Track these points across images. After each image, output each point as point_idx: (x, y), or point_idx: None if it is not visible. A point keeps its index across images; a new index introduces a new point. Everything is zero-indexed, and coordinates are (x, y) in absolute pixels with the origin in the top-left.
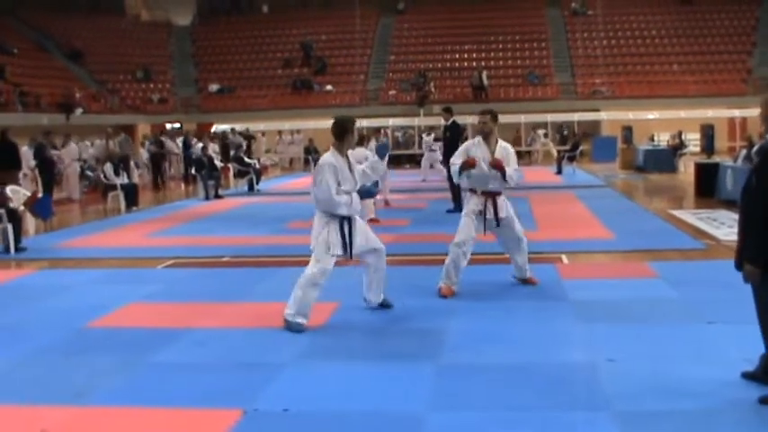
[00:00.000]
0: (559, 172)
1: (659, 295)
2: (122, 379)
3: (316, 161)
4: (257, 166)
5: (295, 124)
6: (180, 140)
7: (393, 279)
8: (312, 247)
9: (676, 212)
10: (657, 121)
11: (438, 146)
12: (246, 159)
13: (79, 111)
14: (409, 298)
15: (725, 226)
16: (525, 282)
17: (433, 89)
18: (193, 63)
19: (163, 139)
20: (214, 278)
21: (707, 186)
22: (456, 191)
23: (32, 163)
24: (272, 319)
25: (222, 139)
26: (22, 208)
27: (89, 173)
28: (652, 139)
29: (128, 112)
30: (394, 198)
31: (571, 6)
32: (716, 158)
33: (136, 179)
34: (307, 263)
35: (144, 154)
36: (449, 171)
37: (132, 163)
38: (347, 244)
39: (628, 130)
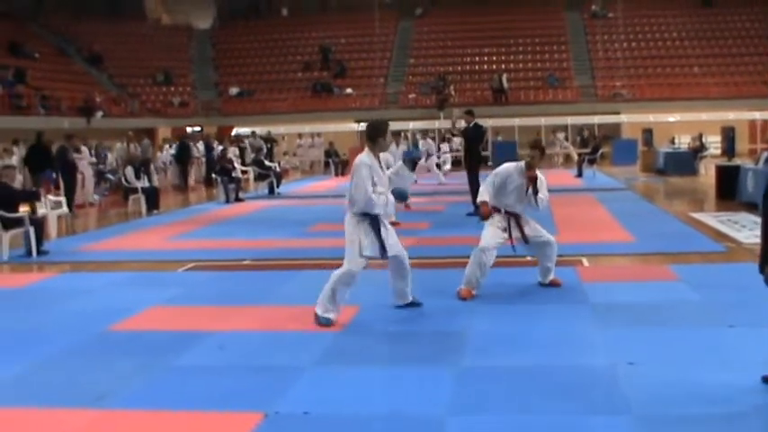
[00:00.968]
0: (580, 175)
1: (680, 298)
2: (143, 382)
3: (336, 164)
4: (278, 169)
5: (315, 127)
6: (200, 144)
7: (413, 282)
8: (348, 248)
9: (697, 215)
10: (678, 124)
11: (436, 150)
12: (267, 162)
13: (99, 114)
14: (429, 301)
15: (746, 229)
16: (549, 284)
17: (452, 92)
18: (213, 66)
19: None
20: (235, 281)
21: (728, 189)
22: (477, 195)
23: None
24: (293, 322)
25: (238, 142)
26: (44, 212)
27: (110, 176)
28: (672, 142)
29: (148, 116)
30: (413, 201)
31: (591, 9)
32: (737, 161)
33: (156, 182)
34: (328, 266)
35: (164, 157)
36: (469, 173)
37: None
38: (381, 244)
39: (648, 133)
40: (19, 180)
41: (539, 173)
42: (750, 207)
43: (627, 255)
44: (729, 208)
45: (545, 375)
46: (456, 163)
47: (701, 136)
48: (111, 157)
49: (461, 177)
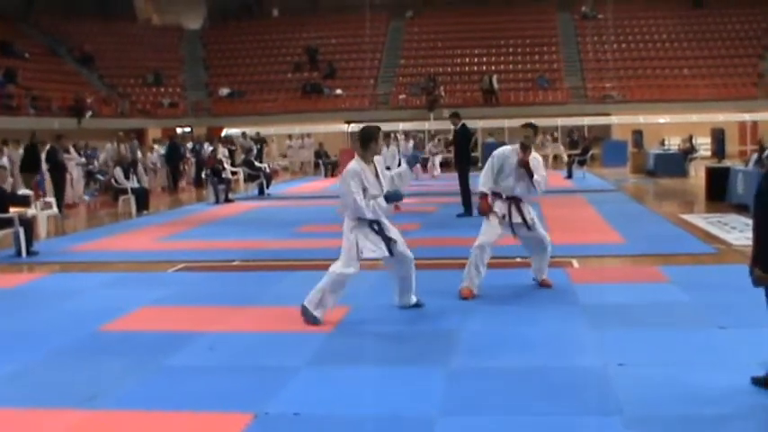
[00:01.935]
0: (570, 176)
1: (670, 300)
2: (134, 382)
3: (326, 165)
4: (267, 170)
5: (305, 128)
6: (189, 144)
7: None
8: (343, 249)
9: (687, 217)
10: (668, 125)
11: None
12: (257, 163)
13: (89, 114)
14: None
15: (736, 230)
16: (541, 284)
17: (442, 93)
18: (204, 67)
19: (178, 143)
20: (225, 282)
21: (718, 190)
22: (467, 196)
23: (44, 166)
24: (283, 322)
25: (229, 143)
26: (33, 212)
27: (99, 176)
28: (662, 144)
29: (138, 117)
30: (403, 202)
31: (581, 10)
32: (727, 162)
33: (145, 183)
34: (318, 267)
35: (154, 158)
36: (460, 175)
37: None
38: (385, 242)
39: (638, 134)
40: (9, 182)
41: (534, 153)
42: (740, 208)
43: (617, 256)
44: (719, 209)
45: (536, 376)
46: (446, 164)
47: (690, 137)
48: (102, 157)
49: (452, 179)
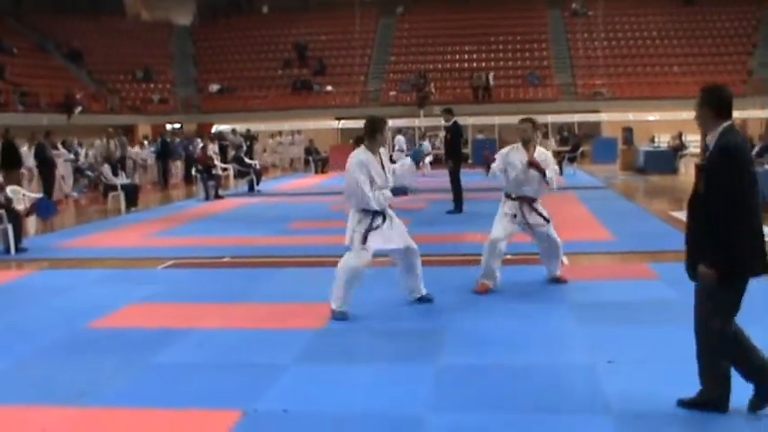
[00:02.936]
0: (560, 173)
1: (659, 296)
2: (123, 379)
3: (316, 162)
4: (257, 166)
5: (295, 125)
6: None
7: (394, 279)
8: (348, 243)
9: (677, 214)
10: (658, 123)
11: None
12: (246, 160)
13: (78, 110)
14: (409, 299)
15: None
16: (556, 280)
17: (433, 90)
18: (194, 63)
19: (167, 139)
20: (214, 279)
21: None
22: (458, 192)
23: (32, 162)
24: (273, 319)
25: (219, 139)
26: (22, 208)
27: (89, 173)
28: (652, 141)
29: (128, 113)
30: (394, 199)
31: (571, 7)
32: None
33: (133, 179)
34: (308, 264)
35: (144, 154)
36: (452, 171)
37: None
38: (385, 237)
39: (628, 132)
40: None
41: (539, 148)
42: None
43: (607, 253)
44: None
45: (525, 374)
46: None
47: (680, 135)
48: (91, 154)
49: (442, 175)
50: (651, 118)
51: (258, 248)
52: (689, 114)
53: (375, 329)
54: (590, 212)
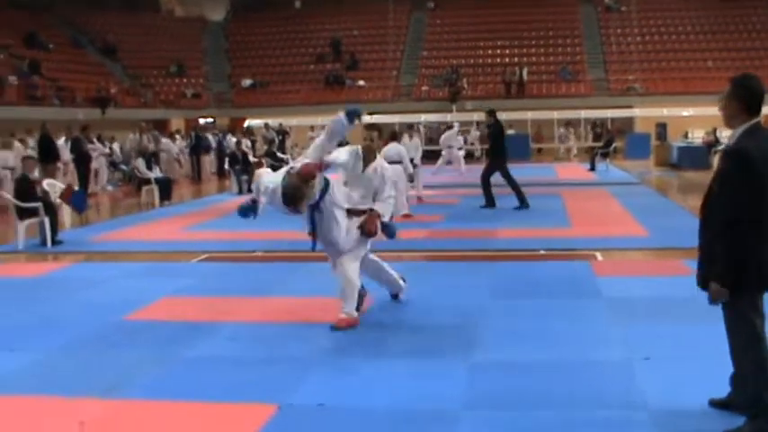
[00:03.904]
0: (593, 169)
1: (694, 293)
2: (157, 372)
3: None
4: (290, 161)
5: (327, 119)
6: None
7: (426, 274)
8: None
9: None
10: (692, 118)
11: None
12: (279, 154)
13: (112, 104)
14: (441, 294)
15: None
16: None
17: (465, 85)
18: (227, 58)
19: (201, 134)
20: (247, 272)
21: None
22: (516, 188)
23: (68, 157)
24: (305, 313)
25: (249, 134)
26: (58, 201)
27: (123, 167)
28: (686, 136)
29: (161, 107)
30: (427, 194)
31: (605, 2)
32: None
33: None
34: None
35: (174, 148)
36: (500, 168)
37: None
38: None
39: (662, 127)
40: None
41: (379, 158)
42: None
43: (641, 249)
44: None
45: (560, 370)
46: (468, 156)
47: (714, 130)
48: (126, 147)
49: (475, 171)
50: (685, 113)
51: (290, 243)
52: None
53: (408, 325)
54: (623, 208)
